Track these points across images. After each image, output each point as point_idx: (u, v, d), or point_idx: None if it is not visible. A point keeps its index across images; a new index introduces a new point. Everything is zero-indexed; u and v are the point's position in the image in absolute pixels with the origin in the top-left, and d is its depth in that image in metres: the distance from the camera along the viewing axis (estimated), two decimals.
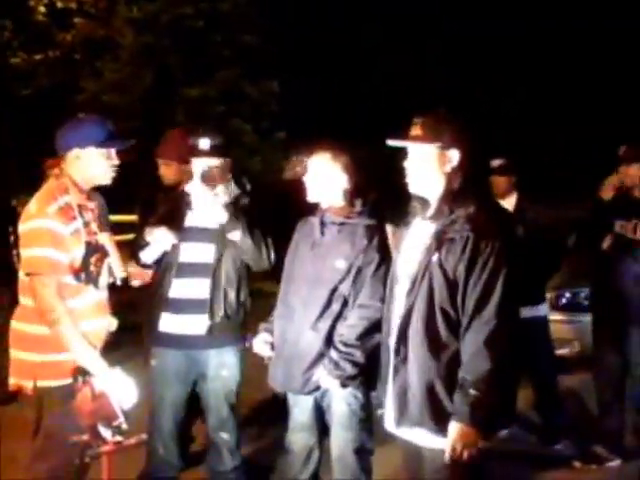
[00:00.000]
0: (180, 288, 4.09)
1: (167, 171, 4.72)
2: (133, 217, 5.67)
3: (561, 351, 6.52)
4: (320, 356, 3.50)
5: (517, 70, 18.19)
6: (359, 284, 3.49)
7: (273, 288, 6.44)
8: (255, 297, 4.34)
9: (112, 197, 3.77)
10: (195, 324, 4.07)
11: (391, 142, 2.99)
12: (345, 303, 3.51)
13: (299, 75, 15.70)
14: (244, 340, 4.19)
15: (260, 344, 3.74)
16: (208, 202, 4.00)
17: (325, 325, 3.51)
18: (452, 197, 2.90)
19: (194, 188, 4.07)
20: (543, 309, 5.11)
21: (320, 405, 3.65)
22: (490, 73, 17.31)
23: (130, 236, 4.98)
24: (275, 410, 5.64)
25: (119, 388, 3.19)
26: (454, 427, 2.70)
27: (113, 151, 3.46)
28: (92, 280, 3.37)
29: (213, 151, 4.04)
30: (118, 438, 3.10)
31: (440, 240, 2.84)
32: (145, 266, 4.11)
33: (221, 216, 4.00)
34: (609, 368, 4.90)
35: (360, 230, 3.55)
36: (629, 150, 4.85)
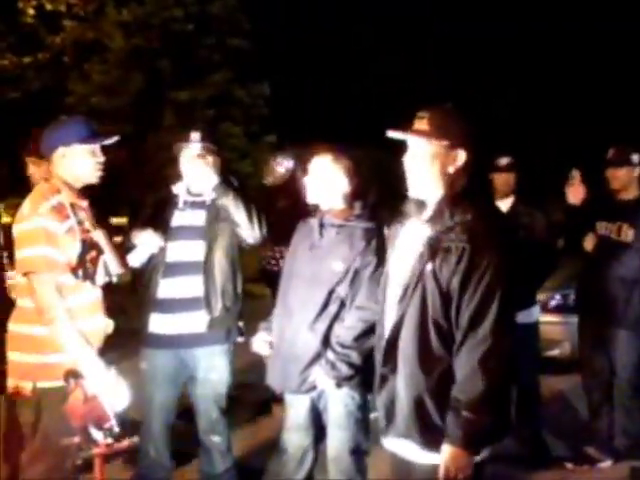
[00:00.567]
0: (169, 288, 4.10)
1: (36, 170, 4.65)
2: (122, 220, 5.66)
3: (551, 352, 6.55)
4: (317, 356, 3.50)
5: (508, 72, 18.25)
6: (356, 286, 3.49)
7: (263, 291, 6.49)
8: (245, 299, 4.34)
9: (100, 200, 3.78)
10: (192, 322, 4.08)
11: (392, 134, 2.78)
12: (342, 304, 3.52)
13: (290, 77, 15.70)
14: (241, 331, 4.22)
15: (259, 343, 3.75)
16: (199, 169, 4.10)
17: (322, 326, 3.52)
18: (453, 201, 2.71)
19: (186, 163, 4.15)
20: (535, 312, 5.11)
21: (317, 406, 3.65)
22: (481, 75, 17.36)
23: (119, 239, 4.97)
24: (266, 411, 5.72)
25: (111, 390, 3.18)
26: (447, 449, 2.58)
27: (98, 148, 3.50)
28: (89, 277, 3.39)
29: (204, 138, 4.16)
30: (110, 440, 3.08)
31: (434, 248, 2.66)
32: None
33: (212, 179, 4.09)
34: (596, 370, 4.92)
35: (358, 232, 3.56)
36: (617, 153, 4.87)
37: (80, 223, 3.40)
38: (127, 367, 4.15)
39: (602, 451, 4.83)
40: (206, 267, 4.09)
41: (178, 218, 4.18)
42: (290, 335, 3.58)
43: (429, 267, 2.65)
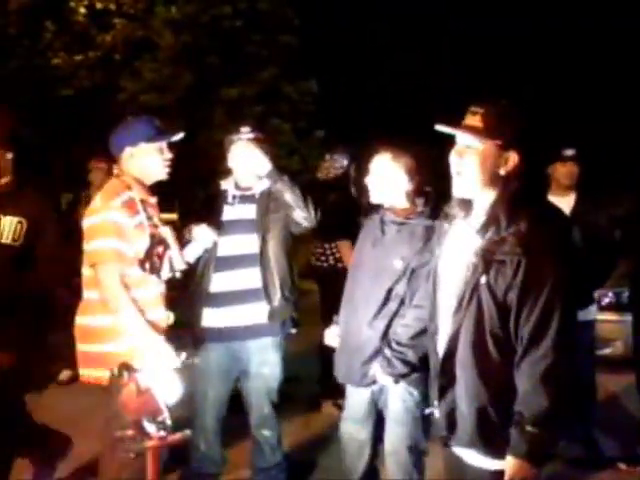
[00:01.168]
0: (224, 281, 4.14)
1: (97, 176, 4.71)
2: (172, 216, 5.72)
3: (604, 351, 6.44)
4: (376, 352, 3.53)
5: (524, 69, 18.05)
6: (414, 285, 3.49)
7: (311, 286, 6.51)
8: None
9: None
10: (251, 314, 4.13)
11: (441, 128, 2.62)
12: (402, 302, 3.53)
13: (337, 74, 15.70)
14: (295, 322, 4.28)
15: (331, 336, 3.81)
16: (252, 155, 4.12)
17: (382, 323, 3.54)
18: (507, 206, 2.57)
19: (238, 154, 4.18)
20: (593, 311, 5.02)
21: (376, 401, 3.68)
22: (497, 72, 17.18)
23: None
24: (315, 406, 5.74)
25: (164, 383, 3.22)
26: (512, 462, 2.55)
27: (165, 145, 3.59)
28: (155, 271, 3.50)
29: (255, 129, 4.21)
30: (162, 434, 3.12)
31: (488, 260, 2.55)
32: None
33: (266, 165, 4.11)
34: None
35: (419, 231, 3.55)
36: None
37: (149, 219, 3.52)
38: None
39: None
40: (262, 259, 4.13)
41: (228, 213, 4.22)
42: (355, 328, 3.62)
43: (483, 280, 2.56)
